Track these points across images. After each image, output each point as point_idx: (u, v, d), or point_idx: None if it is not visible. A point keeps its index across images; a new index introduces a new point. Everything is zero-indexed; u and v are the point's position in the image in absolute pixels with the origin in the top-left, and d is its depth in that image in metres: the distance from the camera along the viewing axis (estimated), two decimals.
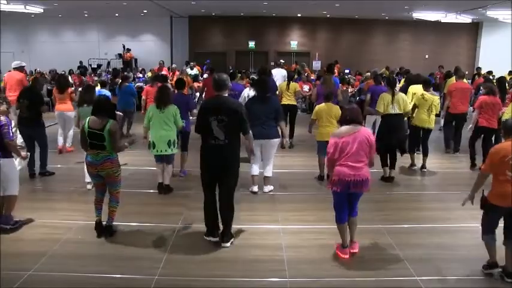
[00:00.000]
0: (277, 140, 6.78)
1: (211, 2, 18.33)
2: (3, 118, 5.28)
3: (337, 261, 4.72)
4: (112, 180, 5.19)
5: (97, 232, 5.20)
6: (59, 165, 8.12)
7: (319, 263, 4.69)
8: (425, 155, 8.29)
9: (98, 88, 9.82)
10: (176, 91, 7.78)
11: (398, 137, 7.53)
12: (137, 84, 15.82)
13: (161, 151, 6.57)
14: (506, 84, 10.13)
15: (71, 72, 19.08)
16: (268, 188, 6.90)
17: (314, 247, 5.05)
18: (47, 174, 7.60)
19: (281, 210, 6.20)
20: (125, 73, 14.52)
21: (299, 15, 23.76)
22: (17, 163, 5.71)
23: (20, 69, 9.93)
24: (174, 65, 17.66)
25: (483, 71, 17.47)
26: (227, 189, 5.02)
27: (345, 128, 4.73)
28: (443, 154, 9.53)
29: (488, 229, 4.48)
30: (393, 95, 7.48)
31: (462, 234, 5.48)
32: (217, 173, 4.97)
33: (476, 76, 16.37)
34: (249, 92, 8.41)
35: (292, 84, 10.07)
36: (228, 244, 5.01)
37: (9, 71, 10.67)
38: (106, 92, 8.13)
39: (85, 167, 5.47)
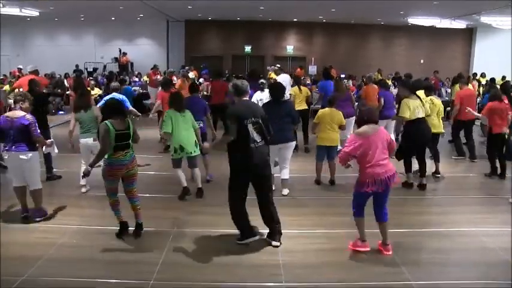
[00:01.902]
0: (294, 143, 6.89)
1: (208, 6, 18.37)
2: (29, 116, 5.57)
3: (332, 266, 4.72)
4: (133, 179, 5.29)
5: (120, 233, 5.28)
6: (64, 169, 8.02)
7: (315, 268, 4.68)
8: (437, 160, 8.16)
9: (95, 94, 9.80)
10: (191, 95, 7.98)
11: (428, 141, 7.48)
12: (133, 88, 15.80)
13: (191, 152, 6.63)
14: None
15: (66, 75, 19.05)
16: (286, 191, 6.93)
17: (310, 252, 5.05)
18: (55, 178, 7.54)
19: (280, 214, 6.11)
20: (121, 77, 14.53)
21: (295, 19, 23.84)
22: (54, 151, 6.22)
23: (36, 72, 9.87)
24: (171, 69, 17.61)
25: (478, 76, 17.60)
26: (268, 188, 5.23)
27: (367, 127, 4.85)
28: (443, 158, 9.47)
29: None
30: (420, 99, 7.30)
31: (459, 238, 5.48)
32: (260, 174, 5.06)
33: (474, 81, 16.47)
34: (261, 96, 8.36)
35: (304, 89, 10.02)
36: (279, 243, 5.12)
37: (4, 75, 10.64)
38: (119, 96, 8.16)
39: (82, 168, 5.49)
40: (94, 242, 5.16)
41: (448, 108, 11.26)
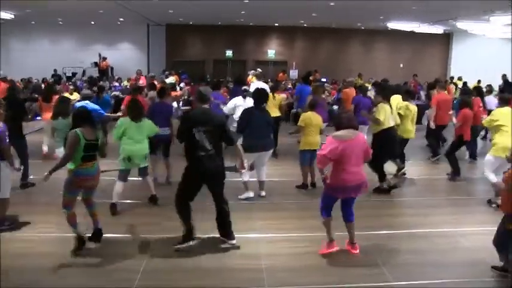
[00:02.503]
0: (272, 150, 7.00)
1: (189, 10, 18.34)
2: (1, 124, 5.34)
3: (314, 269, 4.74)
4: (94, 188, 5.17)
5: (77, 247, 4.98)
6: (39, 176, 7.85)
7: (297, 271, 4.69)
8: (402, 161, 8.37)
9: (75, 99, 9.63)
10: (159, 99, 7.88)
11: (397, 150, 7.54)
12: (113, 93, 15.65)
13: (138, 164, 6.43)
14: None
15: (44, 80, 18.76)
16: (263, 193, 7.04)
17: (292, 255, 5.07)
18: (29, 186, 7.40)
19: (260, 218, 6.19)
20: (101, 82, 14.38)
21: (276, 24, 23.96)
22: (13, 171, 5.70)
23: (4, 79, 9.69)
24: (152, 74, 17.49)
25: (455, 80, 17.95)
26: (220, 191, 5.22)
27: (346, 131, 4.81)
28: (419, 161, 9.67)
29: None
30: (391, 106, 7.45)
31: (437, 239, 5.58)
32: (209, 181, 5.10)
33: (451, 85, 16.78)
34: (242, 103, 8.32)
35: (278, 97, 9.97)
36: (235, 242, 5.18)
37: None
38: (93, 105, 7.97)
39: None
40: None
41: (427, 111, 11.39)
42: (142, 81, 15.40)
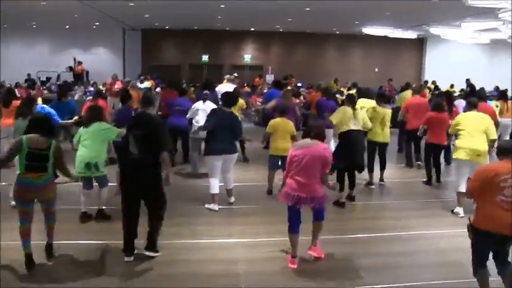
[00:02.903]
0: (236, 155, 6.85)
1: (165, 15, 18.26)
2: None
3: (292, 273, 4.75)
4: (49, 202, 4.77)
5: (27, 266, 4.58)
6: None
7: (274, 275, 4.70)
8: (382, 168, 8.19)
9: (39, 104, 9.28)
10: (121, 105, 7.68)
11: (361, 155, 7.08)
12: (89, 97, 15.41)
13: (91, 171, 5.94)
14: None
15: (17, 85, 18.36)
16: (232, 199, 6.92)
17: (268, 259, 5.07)
18: None
19: (236, 223, 6.19)
20: (76, 87, 14.14)
21: (252, 29, 24.05)
22: None
23: None
24: (127, 79, 17.26)
25: (429, 84, 18.27)
26: (150, 200, 4.89)
27: (302, 141, 4.79)
28: (395, 165, 9.74)
29: (478, 262, 3.99)
30: (354, 110, 7.13)
31: (416, 241, 5.70)
32: (136, 186, 4.83)
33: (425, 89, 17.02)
34: (203, 106, 8.26)
35: (240, 101, 9.66)
36: (154, 254, 4.94)
37: None
38: (49, 110, 7.61)
39: None
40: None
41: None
42: (117, 86, 15.19)
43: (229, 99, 6.94)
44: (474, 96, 8.44)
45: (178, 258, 5.07)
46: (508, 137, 10.04)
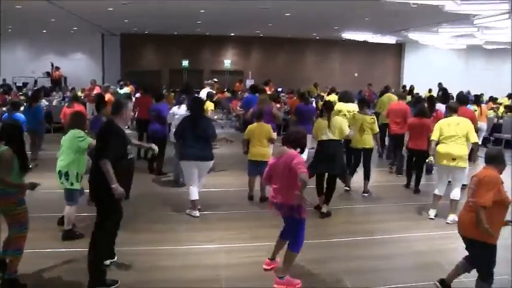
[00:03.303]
0: (211, 163, 6.80)
1: (144, 20, 18.14)
2: None
3: (273, 278, 4.72)
4: (12, 223, 4.27)
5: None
6: None
7: (256, 280, 4.68)
8: (366, 178, 7.92)
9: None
10: (96, 112, 7.48)
11: (334, 166, 6.71)
12: (66, 103, 15.18)
13: (62, 182, 5.58)
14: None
15: None
16: (197, 213, 6.62)
17: (249, 264, 5.05)
18: None
19: (217, 229, 6.14)
20: (53, 93, 13.92)
21: (232, 34, 24.08)
22: None
23: None
24: (106, 84, 17.04)
25: (407, 89, 18.48)
26: (99, 211, 4.58)
27: (280, 149, 4.76)
28: (375, 169, 9.77)
29: None
30: (329, 119, 6.79)
31: (396, 244, 5.75)
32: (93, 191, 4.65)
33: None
34: (178, 111, 8.16)
35: (206, 103, 9.21)
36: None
37: None
38: (20, 116, 7.36)
39: None
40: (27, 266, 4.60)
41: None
42: (96, 92, 15.02)
43: (194, 105, 6.79)
44: (447, 100, 8.52)
45: (160, 264, 5.01)
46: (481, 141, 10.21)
